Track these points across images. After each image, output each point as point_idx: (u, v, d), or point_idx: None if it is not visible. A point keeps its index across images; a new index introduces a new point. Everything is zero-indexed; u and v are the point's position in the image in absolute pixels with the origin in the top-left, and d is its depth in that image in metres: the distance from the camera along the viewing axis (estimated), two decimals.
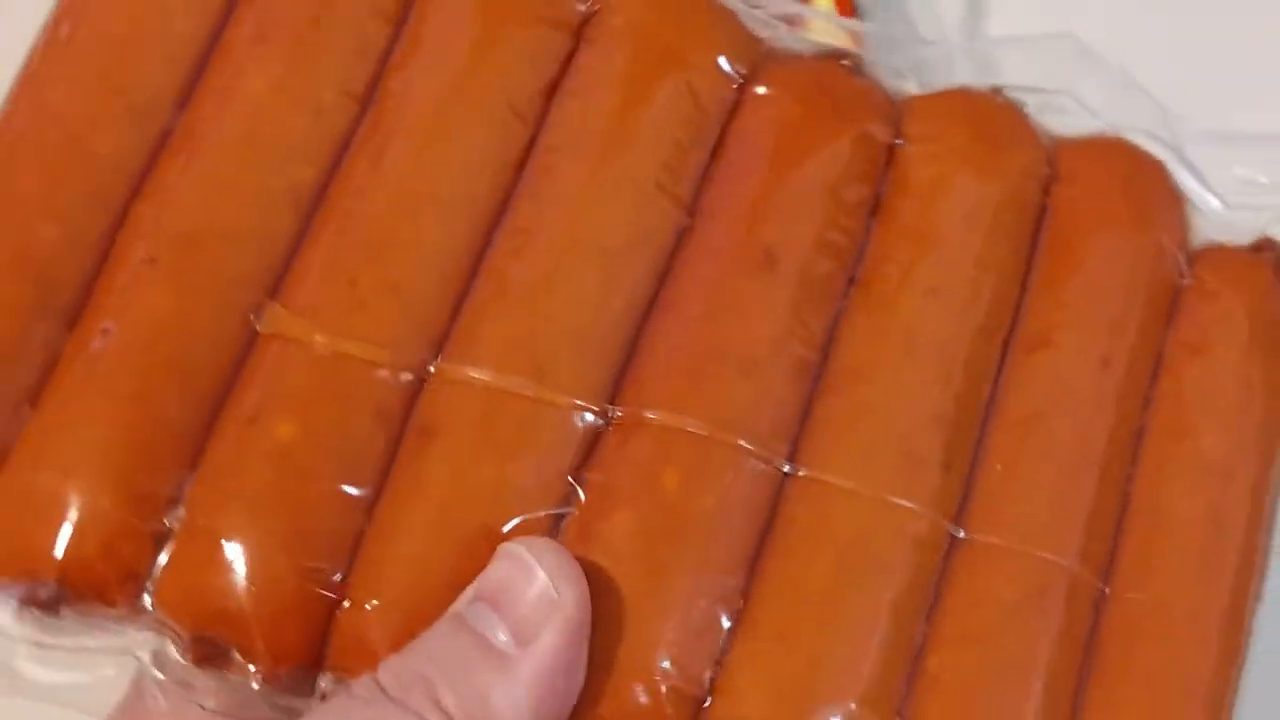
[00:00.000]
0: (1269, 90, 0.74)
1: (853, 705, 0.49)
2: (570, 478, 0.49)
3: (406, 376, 0.49)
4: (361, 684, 0.45)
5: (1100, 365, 0.55)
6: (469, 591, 0.47)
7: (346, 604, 0.48)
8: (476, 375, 0.49)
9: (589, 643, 0.47)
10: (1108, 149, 0.59)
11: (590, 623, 0.47)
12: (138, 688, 0.50)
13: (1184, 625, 0.54)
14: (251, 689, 0.47)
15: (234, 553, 0.47)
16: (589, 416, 0.50)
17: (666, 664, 0.48)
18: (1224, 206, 0.60)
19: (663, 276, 0.52)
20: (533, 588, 0.46)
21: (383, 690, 0.45)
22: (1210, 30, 0.76)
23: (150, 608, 0.48)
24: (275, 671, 0.47)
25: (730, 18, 0.56)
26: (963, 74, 0.59)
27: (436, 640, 0.46)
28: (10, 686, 0.49)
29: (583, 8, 0.55)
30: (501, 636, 0.46)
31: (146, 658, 0.49)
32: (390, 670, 0.45)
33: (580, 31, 0.55)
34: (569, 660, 0.46)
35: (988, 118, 0.57)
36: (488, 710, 0.45)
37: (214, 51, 0.53)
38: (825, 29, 0.63)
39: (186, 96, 0.52)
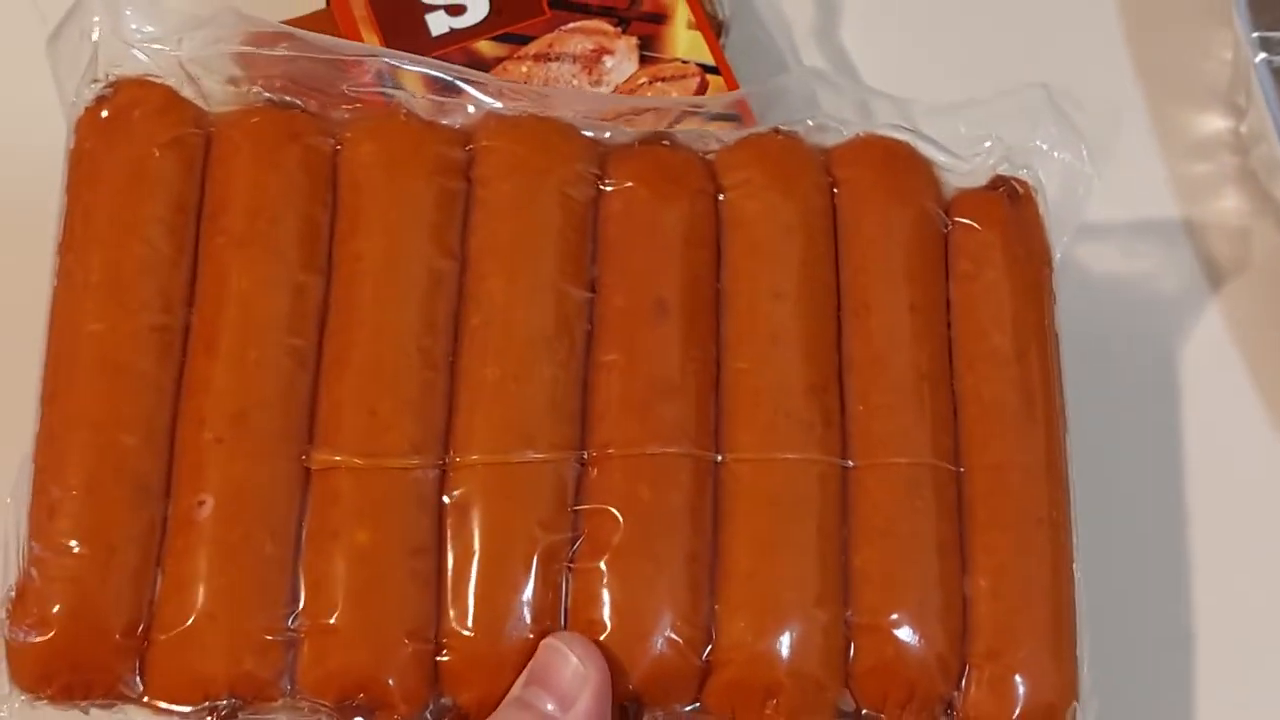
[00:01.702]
0: (965, 65, 0.88)
1: (811, 608, 0.63)
2: (572, 510, 0.63)
3: (433, 472, 0.62)
4: None
5: (909, 311, 0.67)
6: (522, 677, 0.60)
7: (445, 653, 0.61)
8: (482, 457, 0.62)
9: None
10: (865, 145, 0.71)
11: (611, 688, 0.60)
12: None
13: (1018, 475, 0.66)
14: None
15: (352, 637, 0.60)
16: (571, 463, 0.63)
17: (674, 619, 0.62)
18: (961, 160, 0.72)
19: (589, 341, 0.65)
20: (568, 668, 0.60)
21: None
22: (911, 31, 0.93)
23: (300, 694, 0.61)
24: (411, 714, 0.61)
25: (574, 132, 0.68)
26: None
27: (505, 712, 0.60)
28: None
29: (463, 153, 0.67)
30: (549, 706, 0.60)
31: None
32: None
33: (468, 173, 0.66)
34: (599, 716, 0.60)
35: (777, 151, 0.69)
36: None
37: (199, 260, 0.64)
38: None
39: (190, 297, 0.63)
